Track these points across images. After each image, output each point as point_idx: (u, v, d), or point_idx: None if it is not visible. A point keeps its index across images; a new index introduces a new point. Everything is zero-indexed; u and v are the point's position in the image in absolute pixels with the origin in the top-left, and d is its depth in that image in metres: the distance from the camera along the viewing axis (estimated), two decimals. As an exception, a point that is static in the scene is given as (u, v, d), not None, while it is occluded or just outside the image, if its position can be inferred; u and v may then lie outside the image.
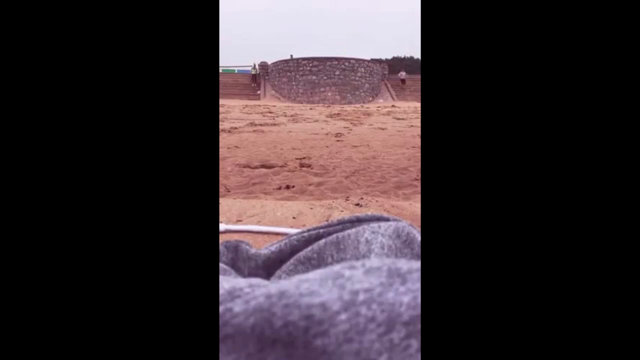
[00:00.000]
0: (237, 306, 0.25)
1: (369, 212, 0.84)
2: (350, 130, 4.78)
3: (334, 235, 0.49)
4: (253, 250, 0.55)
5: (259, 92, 19.27)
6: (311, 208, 1.20)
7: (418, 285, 0.25)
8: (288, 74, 20.01)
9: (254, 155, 2.66)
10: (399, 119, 6.39)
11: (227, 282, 0.28)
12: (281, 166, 2.31)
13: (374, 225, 0.47)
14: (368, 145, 3.41)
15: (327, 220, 0.75)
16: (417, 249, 0.46)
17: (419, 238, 0.47)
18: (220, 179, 1.61)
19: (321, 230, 0.52)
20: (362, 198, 1.37)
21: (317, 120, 6.07)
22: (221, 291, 0.27)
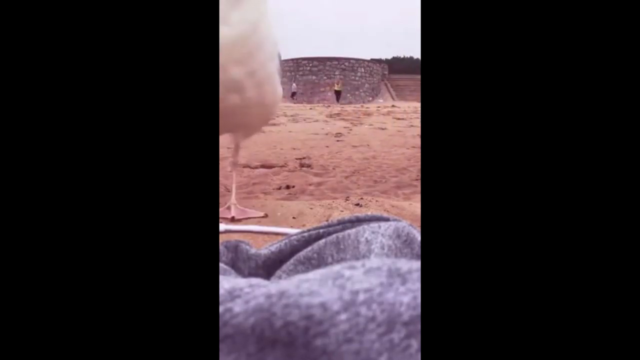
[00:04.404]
0: (237, 306, 0.25)
1: (369, 212, 0.84)
2: (350, 130, 4.77)
3: (334, 235, 0.49)
4: (253, 250, 0.55)
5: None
6: (311, 208, 1.20)
7: (418, 285, 0.25)
8: (288, 74, 20.00)
9: (254, 155, 2.65)
10: (399, 119, 6.38)
11: (227, 282, 0.28)
12: (281, 166, 2.31)
13: (374, 225, 0.47)
14: (368, 145, 3.41)
15: (327, 220, 0.75)
16: (417, 249, 0.46)
17: (419, 238, 0.47)
18: (220, 179, 1.61)
19: (321, 230, 0.52)
20: (362, 198, 1.37)
21: (317, 120, 6.06)
22: (221, 291, 0.27)
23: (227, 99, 0.88)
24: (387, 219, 0.49)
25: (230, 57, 0.85)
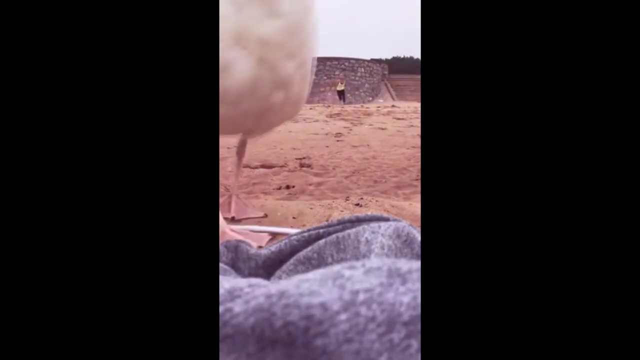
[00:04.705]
0: (237, 306, 0.25)
1: (369, 212, 0.83)
2: (350, 130, 4.77)
3: (334, 235, 0.49)
4: (253, 250, 0.56)
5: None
6: (311, 208, 1.20)
7: (418, 285, 0.25)
8: (288, 74, 19.92)
9: (254, 155, 2.65)
10: (399, 119, 6.38)
11: (227, 282, 0.28)
12: (281, 166, 2.32)
13: (374, 225, 0.47)
14: (368, 145, 3.41)
15: (327, 220, 0.75)
16: (417, 249, 0.46)
17: (419, 238, 0.47)
18: (220, 179, 1.61)
19: (321, 230, 0.52)
20: (362, 198, 1.37)
21: (317, 120, 6.06)
22: (221, 291, 0.27)
23: (271, 97, 0.76)
24: (387, 219, 0.49)
25: (283, 52, 0.73)
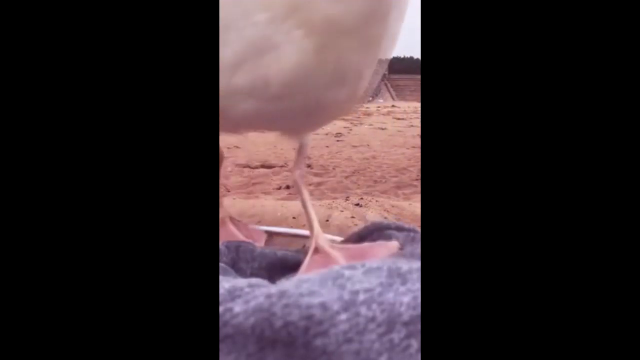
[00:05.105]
0: (237, 306, 0.25)
1: (369, 213, 0.83)
2: (350, 130, 4.77)
3: None
4: (258, 251, 0.55)
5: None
6: (311, 208, 1.20)
7: (418, 285, 0.25)
8: (288, 74, 19.93)
9: (254, 155, 2.66)
10: (399, 119, 6.38)
11: (227, 282, 0.28)
12: (281, 166, 2.32)
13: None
14: (368, 145, 3.41)
15: (327, 220, 0.75)
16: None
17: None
18: (220, 179, 1.61)
19: None
20: (362, 198, 1.37)
21: (317, 120, 6.06)
22: (221, 291, 0.27)
23: (326, 95, 0.54)
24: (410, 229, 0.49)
25: (356, 40, 0.52)
